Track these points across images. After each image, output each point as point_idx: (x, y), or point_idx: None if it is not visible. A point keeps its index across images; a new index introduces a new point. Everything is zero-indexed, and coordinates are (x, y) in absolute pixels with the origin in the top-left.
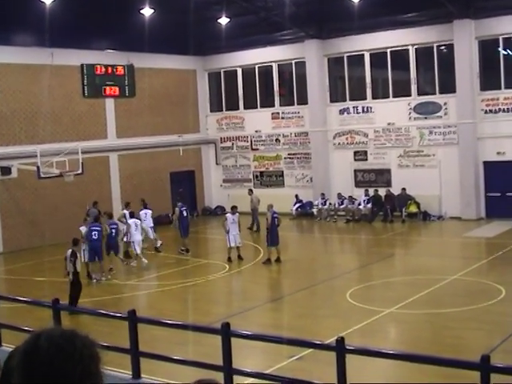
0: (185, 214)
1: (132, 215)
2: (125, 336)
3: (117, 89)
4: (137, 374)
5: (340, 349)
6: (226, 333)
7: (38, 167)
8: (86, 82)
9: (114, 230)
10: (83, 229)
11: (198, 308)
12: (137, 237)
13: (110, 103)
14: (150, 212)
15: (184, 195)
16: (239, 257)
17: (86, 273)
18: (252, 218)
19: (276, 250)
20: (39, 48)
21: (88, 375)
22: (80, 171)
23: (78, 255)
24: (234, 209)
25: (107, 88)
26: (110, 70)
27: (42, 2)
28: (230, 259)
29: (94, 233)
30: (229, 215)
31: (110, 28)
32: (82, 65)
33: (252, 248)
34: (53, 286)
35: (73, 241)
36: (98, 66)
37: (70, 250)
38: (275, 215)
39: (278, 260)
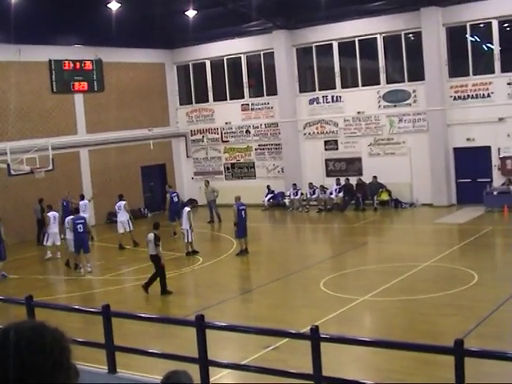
0: (175, 199)
1: (50, 208)
2: (100, 331)
3: (85, 84)
4: (112, 368)
5: (315, 337)
6: (201, 325)
7: (8, 165)
8: (54, 77)
9: (81, 226)
10: (51, 214)
11: (172, 301)
12: (54, 229)
13: (78, 98)
14: (123, 203)
15: (155, 189)
16: (194, 251)
17: (65, 261)
18: (210, 210)
19: (244, 242)
20: (6, 45)
21: (59, 368)
22: (51, 167)
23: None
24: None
25: (76, 83)
26: (78, 65)
27: None
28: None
29: (79, 226)
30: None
31: (77, 23)
32: (49, 60)
33: (225, 239)
34: (26, 283)
35: (154, 225)
36: (66, 62)
37: (153, 234)
38: (242, 207)
39: (245, 251)
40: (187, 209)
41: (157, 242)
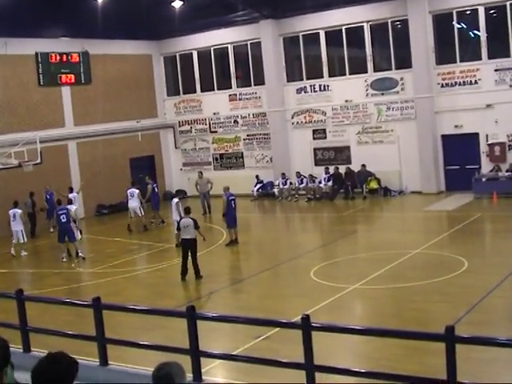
0: (156, 190)
1: (15, 205)
2: (91, 324)
3: (72, 76)
4: (104, 360)
5: (305, 326)
6: (192, 316)
7: None
8: (41, 70)
9: (64, 216)
10: (11, 212)
11: (163, 292)
12: (15, 227)
13: (66, 91)
14: (136, 192)
15: (143, 180)
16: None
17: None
18: (202, 202)
19: (234, 232)
20: None
21: None
22: (39, 161)
23: None
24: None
25: (63, 76)
26: (64, 57)
27: None
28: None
29: (62, 216)
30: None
31: (63, 15)
32: (36, 53)
33: (215, 230)
34: (15, 277)
35: (186, 210)
36: (53, 54)
37: (190, 219)
38: (231, 197)
39: (235, 241)
40: (175, 200)
41: (197, 225)
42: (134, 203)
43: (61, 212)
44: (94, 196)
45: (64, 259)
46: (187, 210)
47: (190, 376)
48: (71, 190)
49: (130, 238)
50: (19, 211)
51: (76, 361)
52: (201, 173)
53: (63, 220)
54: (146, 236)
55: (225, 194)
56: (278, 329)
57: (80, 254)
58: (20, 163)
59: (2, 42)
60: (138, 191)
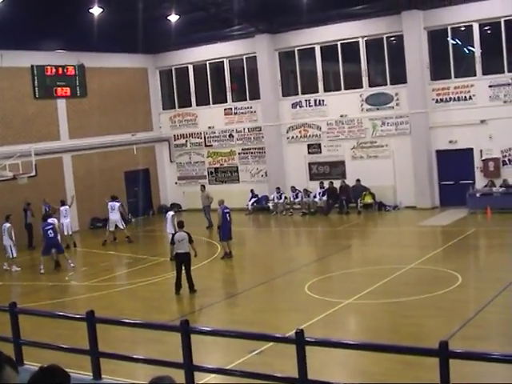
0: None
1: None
2: (85, 337)
3: (68, 89)
4: (97, 374)
5: (300, 341)
6: (186, 330)
7: None
8: (36, 83)
9: (50, 231)
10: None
11: (157, 306)
12: (4, 242)
13: (61, 104)
14: (117, 205)
15: (139, 194)
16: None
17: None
18: (205, 215)
19: (228, 245)
20: None
21: None
22: (33, 173)
23: None
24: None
25: (58, 89)
26: (60, 70)
27: None
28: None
29: (49, 232)
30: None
31: (59, 28)
32: (32, 66)
33: (210, 244)
34: (10, 289)
35: (180, 224)
36: (49, 67)
37: (185, 233)
38: (226, 210)
39: (230, 255)
40: (171, 213)
41: (191, 239)
42: (115, 216)
43: (47, 228)
44: (88, 209)
45: (42, 271)
46: (181, 224)
47: None
48: (63, 203)
49: (124, 252)
50: (8, 225)
51: (69, 374)
52: (203, 186)
53: (51, 235)
54: (140, 249)
55: (220, 208)
56: (272, 343)
57: (72, 265)
58: (15, 175)
59: None
60: (118, 204)
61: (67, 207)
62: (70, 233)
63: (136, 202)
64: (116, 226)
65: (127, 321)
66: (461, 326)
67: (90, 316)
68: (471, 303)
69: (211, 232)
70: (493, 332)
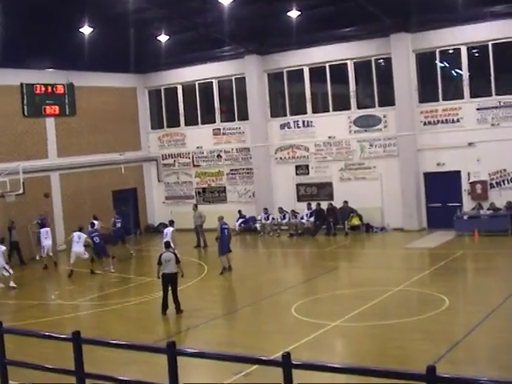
0: (118, 225)
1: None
2: (70, 357)
3: (57, 108)
4: None
5: (286, 364)
6: (172, 352)
7: None
8: (25, 101)
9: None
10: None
11: (143, 326)
12: None
13: (50, 122)
14: (83, 236)
15: (127, 213)
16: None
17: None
18: (196, 235)
19: (227, 259)
20: None
21: None
22: (21, 191)
23: None
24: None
25: (47, 107)
26: (49, 88)
27: None
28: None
29: (95, 238)
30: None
31: (49, 47)
32: (21, 84)
33: (196, 265)
34: None
35: (166, 244)
36: (38, 85)
37: (172, 254)
38: (225, 226)
39: (229, 268)
40: (171, 229)
41: (177, 260)
42: (79, 248)
43: (94, 235)
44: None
45: (113, 270)
46: (167, 245)
47: None
48: (43, 225)
49: (110, 271)
50: (3, 248)
51: None
52: (195, 206)
53: (97, 241)
54: (127, 269)
55: (219, 223)
56: (258, 365)
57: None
58: (2, 193)
59: None
60: (85, 236)
61: (48, 229)
62: (51, 253)
63: (123, 221)
64: (79, 258)
65: (113, 341)
66: (448, 350)
67: (75, 336)
68: (459, 326)
69: (199, 252)
70: (481, 355)
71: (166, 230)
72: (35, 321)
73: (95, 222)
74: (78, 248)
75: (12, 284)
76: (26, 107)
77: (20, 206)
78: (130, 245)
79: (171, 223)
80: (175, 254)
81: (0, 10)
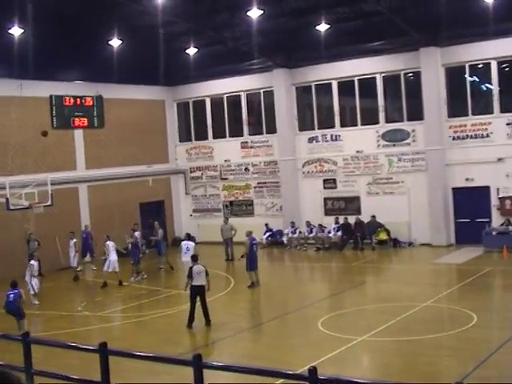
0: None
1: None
2: (96, 368)
3: (85, 120)
4: None
5: (312, 379)
6: (198, 364)
7: (6, 199)
8: (54, 113)
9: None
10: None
11: (169, 339)
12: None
13: (78, 134)
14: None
15: (153, 225)
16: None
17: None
18: (226, 248)
19: (255, 274)
20: (8, 79)
21: None
22: (49, 203)
23: None
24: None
25: (76, 119)
26: (78, 101)
27: (11, 34)
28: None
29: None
30: (109, 242)
31: (78, 59)
32: (50, 96)
33: (224, 278)
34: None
35: (194, 258)
36: (67, 97)
37: (202, 266)
38: (254, 242)
39: (257, 283)
40: (192, 244)
41: (207, 272)
42: (114, 256)
43: (11, 292)
44: (103, 240)
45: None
46: (195, 258)
47: None
48: (108, 238)
49: (137, 283)
50: (35, 263)
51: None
52: (226, 219)
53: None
54: (154, 281)
55: (248, 238)
56: (283, 379)
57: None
58: (30, 205)
59: (17, 83)
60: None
61: (113, 243)
62: (117, 270)
63: (150, 233)
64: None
65: (140, 353)
66: (475, 367)
67: (102, 348)
68: (486, 343)
69: (228, 265)
70: (508, 373)
71: (184, 244)
72: (61, 331)
73: (135, 232)
74: (113, 256)
75: (35, 302)
76: (54, 119)
77: (48, 218)
78: (155, 257)
79: (190, 237)
80: (205, 267)
81: (30, 22)
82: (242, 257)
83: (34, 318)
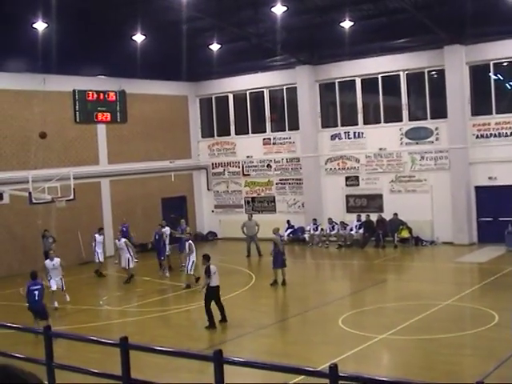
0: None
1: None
2: (116, 362)
3: (108, 115)
4: None
5: (333, 376)
6: (219, 360)
7: (29, 193)
8: (77, 107)
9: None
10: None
11: (190, 334)
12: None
13: (101, 129)
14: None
15: (175, 221)
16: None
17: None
18: (248, 245)
19: (282, 272)
20: (31, 74)
21: None
22: (72, 197)
23: None
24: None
25: (99, 114)
26: (101, 95)
27: (35, 29)
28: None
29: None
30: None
31: (101, 54)
32: (73, 90)
33: (245, 274)
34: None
35: (207, 257)
36: (90, 92)
37: (215, 266)
38: (282, 238)
39: (283, 283)
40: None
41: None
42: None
43: (33, 288)
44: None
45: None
46: (208, 257)
47: None
48: (123, 235)
49: (158, 278)
50: (58, 260)
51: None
52: (251, 215)
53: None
54: (174, 277)
55: (276, 235)
56: (304, 376)
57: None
58: (53, 198)
59: (40, 78)
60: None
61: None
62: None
63: (172, 228)
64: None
65: (160, 348)
66: (496, 366)
67: (123, 342)
68: (507, 343)
69: (249, 261)
70: None
71: (187, 243)
72: (82, 325)
73: (163, 228)
74: (126, 254)
75: (56, 304)
76: (78, 113)
77: (70, 212)
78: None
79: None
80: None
81: (54, 17)
82: (273, 254)
83: (55, 311)
